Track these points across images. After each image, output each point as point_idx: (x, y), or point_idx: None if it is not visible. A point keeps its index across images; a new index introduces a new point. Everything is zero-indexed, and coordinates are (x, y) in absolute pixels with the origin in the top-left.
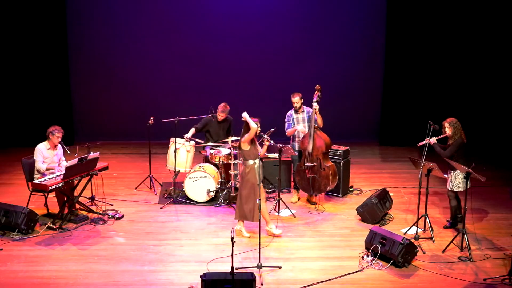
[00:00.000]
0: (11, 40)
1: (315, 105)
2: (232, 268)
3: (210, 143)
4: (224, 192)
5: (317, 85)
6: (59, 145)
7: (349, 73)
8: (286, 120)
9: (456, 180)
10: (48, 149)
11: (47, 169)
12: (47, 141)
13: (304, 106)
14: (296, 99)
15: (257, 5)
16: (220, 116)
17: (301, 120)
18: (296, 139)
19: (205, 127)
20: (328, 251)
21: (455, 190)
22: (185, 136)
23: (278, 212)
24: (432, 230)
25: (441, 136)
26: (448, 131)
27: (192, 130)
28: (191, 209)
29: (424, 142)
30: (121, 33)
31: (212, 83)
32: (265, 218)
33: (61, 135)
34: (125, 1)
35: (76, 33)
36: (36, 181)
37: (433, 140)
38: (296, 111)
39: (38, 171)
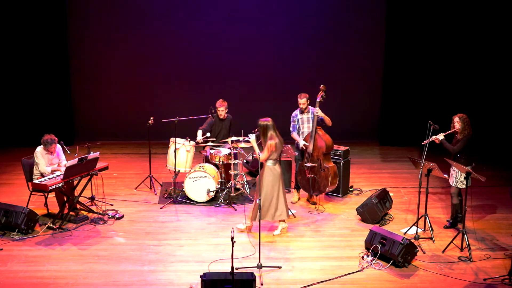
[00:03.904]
0: (11, 40)
1: (316, 109)
2: (232, 268)
3: (210, 143)
4: (224, 192)
5: (321, 85)
6: (57, 146)
7: (349, 73)
8: (291, 120)
9: (461, 177)
10: (46, 153)
11: (52, 171)
12: (43, 147)
13: (310, 107)
14: (303, 101)
15: (256, 5)
16: (220, 112)
17: (305, 121)
18: (300, 136)
19: (211, 128)
20: (328, 251)
21: (459, 187)
22: (197, 140)
23: None
24: (432, 230)
25: (448, 131)
26: (457, 125)
27: (200, 132)
28: (191, 209)
29: (431, 139)
30: (121, 33)
31: (212, 83)
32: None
33: (55, 145)
34: (125, 2)
35: (76, 33)
36: (36, 181)
37: (441, 136)
38: (302, 112)
39: (43, 174)
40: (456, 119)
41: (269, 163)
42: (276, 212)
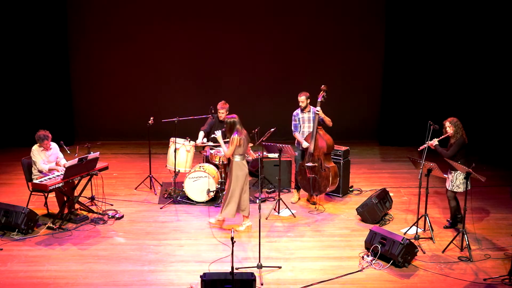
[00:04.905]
0: (11, 40)
1: (318, 108)
2: (232, 268)
3: (210, 143)
4: (224, 192)
5: (323, 86)
6: (52, 144)
7: (349, 73)
8: (292, 119)
9: (457, 181)
10: (42, 150)
11: (50, 170)
12: (38, 144)
13: (311, 106)
14: (302, 99)
15: (256, 5)
16: (221, 113)
17: (306, 120)
18: (301, 135)
19: (211, 129)
20: (328, 251)
21: (455, 190)
22: (197, 142)
23: (278, 212)
24: (432, 230)
25: (442, 136)
26: (449, 130)
27: (202, 134)
28: (191, 209)
29: (425, 145)
30: (121, 33)
31: (213, 83)
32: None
33: (49, 141)
34: (125, 2)
35: (76, 33)
36: (36, 181)
37: (435, 141)
38: (302, 110)
39: (41, 172)
40: (447, 123)
41: (237, 158)
42: (239, 207)
